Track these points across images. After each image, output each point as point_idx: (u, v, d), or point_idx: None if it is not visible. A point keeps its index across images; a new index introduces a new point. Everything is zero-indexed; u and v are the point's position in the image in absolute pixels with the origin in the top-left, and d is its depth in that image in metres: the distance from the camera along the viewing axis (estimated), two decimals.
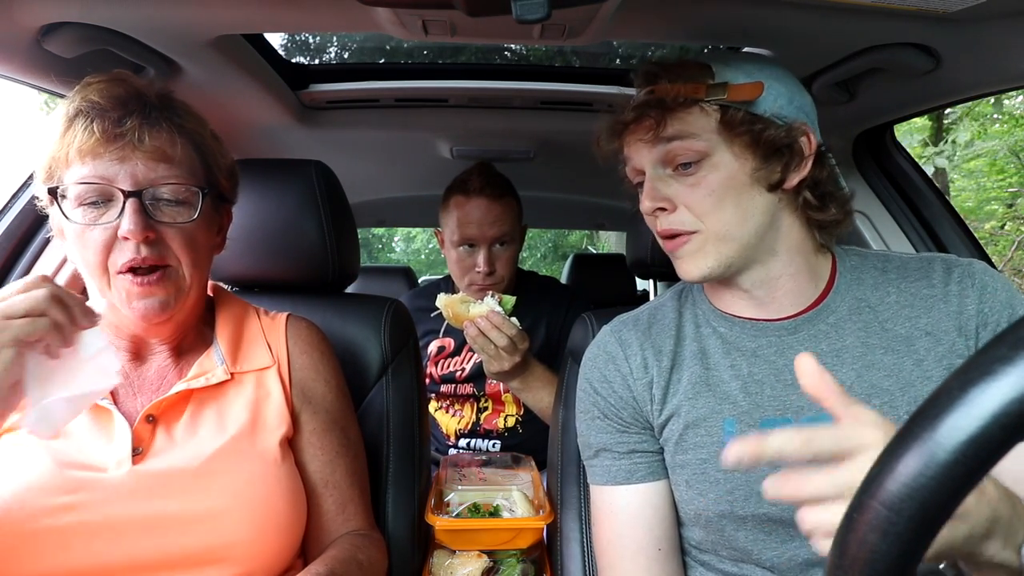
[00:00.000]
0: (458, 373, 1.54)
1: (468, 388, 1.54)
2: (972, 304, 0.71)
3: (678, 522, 0.81)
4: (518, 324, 1.16)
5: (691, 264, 0.74)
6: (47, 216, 0.79)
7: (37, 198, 0.79)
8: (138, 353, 0.81)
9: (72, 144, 0.71)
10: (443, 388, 1.57)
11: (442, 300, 1.18)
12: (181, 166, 0.76)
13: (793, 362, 0.74)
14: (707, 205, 0.71)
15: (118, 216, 0.72)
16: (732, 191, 0.71)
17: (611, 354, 0.84)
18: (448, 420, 1.58)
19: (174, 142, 0.75)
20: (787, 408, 0.73)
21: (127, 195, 0.71)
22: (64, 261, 1.18)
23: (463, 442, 1.56)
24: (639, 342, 0.82)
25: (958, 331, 0.71)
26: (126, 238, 0.71)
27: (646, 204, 0.74)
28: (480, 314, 1.15)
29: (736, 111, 0.71)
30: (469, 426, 1.55)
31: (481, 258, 1.43)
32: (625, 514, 0.79)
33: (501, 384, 1.44)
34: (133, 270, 0.73)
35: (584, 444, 0.86)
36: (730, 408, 0.75)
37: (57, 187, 0.72)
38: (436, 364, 1.57)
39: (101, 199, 0.72)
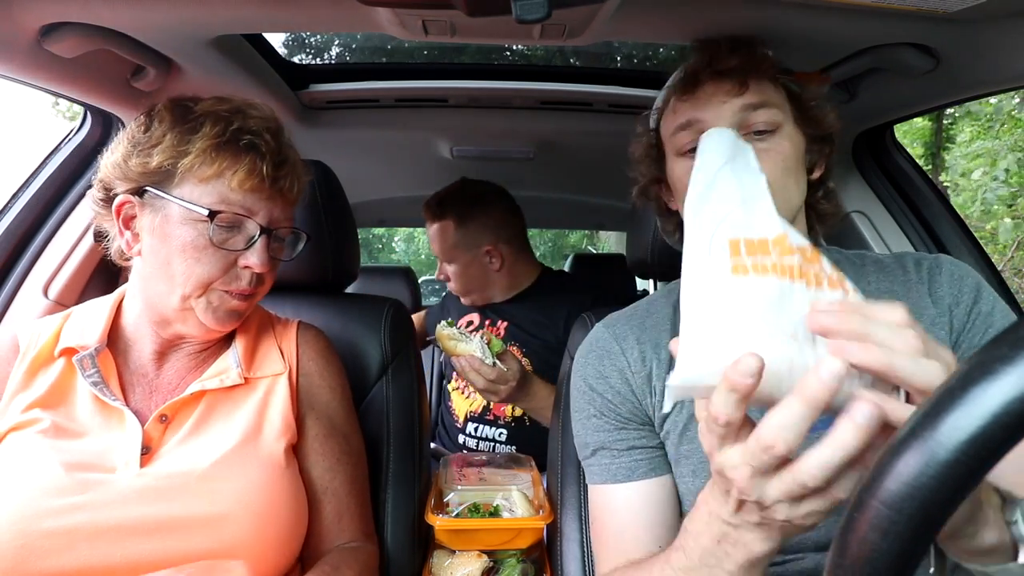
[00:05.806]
0: None
1: None
2: (943, 287, 0.75)
3: (682, 517, 0.81)
4: (502, 366, 1.22)
5: None
6: (48, 215, 0.79)
7: (109, 186, 0.78)
8: (163, 354, 0.82)
9: (234, 174, 0.74)
10: None
11: (438, 330, 1.28)
12: (296, 209, 0.85)
13: None
14: (777, 172, 0.71)
15: (244, 246, 0.77)
16: (795, 165, 0.73)
17: (607, 349, 0.83)
18: (461, 401, 1.61)
19: (303, 191, 0.85)
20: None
21: (262, 231, 0.77)
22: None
23: (471, 427, 1.57)
24: (635, 336, 0.82)
25: (935, 307, 0.75)
26: (247, 267, 0.76)
27: None
28: (463, 354, 1.23)
29: (804, 92, 0.74)
30: (480, 409, 1.56)
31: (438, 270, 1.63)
32: (626, 512, 0.79)
33: None
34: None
35: (581, 444, 0.86)
36: None
37: (219, 212, 0.74)
38: None
39: (234, 225, 0.76)
